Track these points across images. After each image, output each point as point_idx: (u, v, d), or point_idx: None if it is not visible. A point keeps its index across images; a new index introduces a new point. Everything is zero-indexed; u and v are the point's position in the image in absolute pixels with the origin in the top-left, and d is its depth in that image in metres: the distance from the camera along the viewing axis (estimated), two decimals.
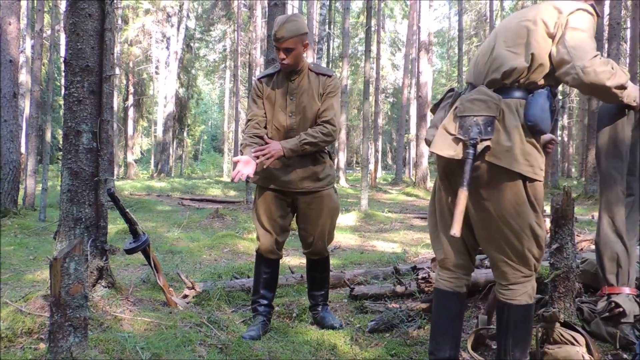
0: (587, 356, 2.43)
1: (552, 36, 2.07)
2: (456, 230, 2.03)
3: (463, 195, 2.04)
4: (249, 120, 3.24)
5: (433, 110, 2.41)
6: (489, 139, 2.06)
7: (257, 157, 3.01)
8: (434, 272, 3.82)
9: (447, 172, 2.26)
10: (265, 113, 3.23)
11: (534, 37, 2.08)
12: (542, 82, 2.11)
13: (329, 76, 3.21)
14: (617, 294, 2.48)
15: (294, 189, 3.17)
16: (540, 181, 2.12)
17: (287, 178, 3.16)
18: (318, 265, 3.40)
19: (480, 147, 2.06)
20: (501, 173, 2.08)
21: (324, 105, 3.17)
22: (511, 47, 2.13)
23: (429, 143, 2.27)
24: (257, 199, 3.26)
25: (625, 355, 2.63)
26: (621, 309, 2.46)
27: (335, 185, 3.34)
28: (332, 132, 3.13)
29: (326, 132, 3.11)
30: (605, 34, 13.91)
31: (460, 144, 2.11)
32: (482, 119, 2.07)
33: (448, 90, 2.39)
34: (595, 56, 1.99)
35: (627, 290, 2.43)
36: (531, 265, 2.19)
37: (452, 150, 2.12)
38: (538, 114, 2.05)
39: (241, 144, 3.22)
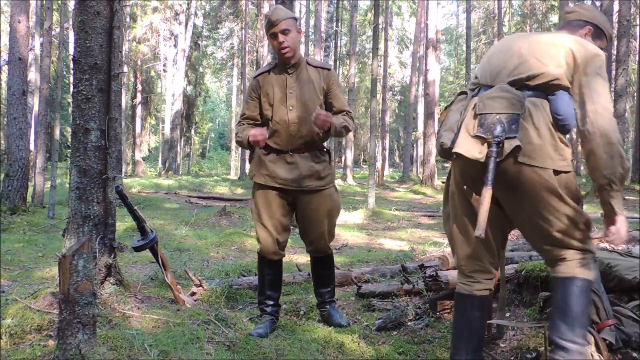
0: (596, 355, 2.42)
1: (574, 67, 2.09)
2: (481, 231, 1.98)
3: (488, 195, 1.98)
4: (243, 119, 3.27)
5: (443, 115, 2.33)
6: (515, 137, 2.01)
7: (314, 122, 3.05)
8: (441, 270, 3.82)
9: (468, 175, 2.16)
10: (260, 114, 3.23)
11: (563, 58, 2.10)
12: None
13: (329, 69, 3.25)
14: (603, 328, 2.62)
15: (296, 187, 3.15)
16: (570, 172, 2.11)
17: (290, 177, 3.14)
18: (322, 263, 3.38)
19: (508, 146, 2.00)
20: (534, 172, 2.04)
21: (338, 99, 3.25)
22: (540, 58, 2.12)
23: (444, 147, 2.17)
24: (257, 199, 3.22)
25: (634, 354, 2.62)
26: (608, 341, 2.57)
27: (335, 184, 3.34)
28: (352, 119, 3.28)
29: (352, 124, 3.25)
30: (615, 32, 13.82)
31: (485, 144, 2.04)
32: (506, 116, 2.02)
33: (459, 93, 2.32)
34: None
35: (610, 322, 2.64)
36: (576, 244, 2.13)
37: (476, 152, 2.05)
38: (566, 109, 2.06)
39: (238, 133, 3.22)
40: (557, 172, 2.07)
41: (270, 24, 3.08)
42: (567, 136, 2.30)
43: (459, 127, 2.14)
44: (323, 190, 3.20)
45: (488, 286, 2.30)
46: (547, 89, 2.11)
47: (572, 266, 2.14)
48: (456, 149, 2.08)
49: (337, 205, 3.31)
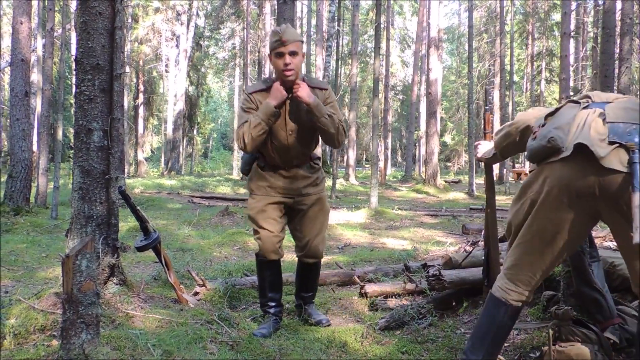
0: (599, 354, 2.41)
1: None
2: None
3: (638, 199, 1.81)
4: (243, 123, 3.11)
5: (547, 118, 2.17)
6: None
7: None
8: (444, 269, 3.81)
9: (570, 190, 1.98)
10: None
11: None
12: None
13: (326, 89, 3.24)
14: (607, 327, 2.62)
15: (297, 195, 3.25)
16: None
17: (292, 186, 3.24)
18: (310, 269, 3.42)
19: None
20: None
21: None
22: None
23: (552, 142, 2.01)
24: (255, 204, 3.25)
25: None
26: (612, 340, 2.56)
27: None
28: (345, 132, 3.22)
29: (342, 128, 3.18)
30: (618, 30, 13.77)
31: (614, 150, 1.90)
32: None
33: (569, 100, 2.18)
34: None
35: (614, 321, 2.65)
36: None
37: (602, 152, 1.90)
38: None
39: (250, 125, 3.04)
40: None
41: (280, 43, 3.00)
42: None
43: (582, 126, 1.99)
44: (320, 194, 3.33)
45: (524, 298, 2.23)
46: None
47: None
48: (580, 140, 1.94)
49: (329, 209, 3.45)
